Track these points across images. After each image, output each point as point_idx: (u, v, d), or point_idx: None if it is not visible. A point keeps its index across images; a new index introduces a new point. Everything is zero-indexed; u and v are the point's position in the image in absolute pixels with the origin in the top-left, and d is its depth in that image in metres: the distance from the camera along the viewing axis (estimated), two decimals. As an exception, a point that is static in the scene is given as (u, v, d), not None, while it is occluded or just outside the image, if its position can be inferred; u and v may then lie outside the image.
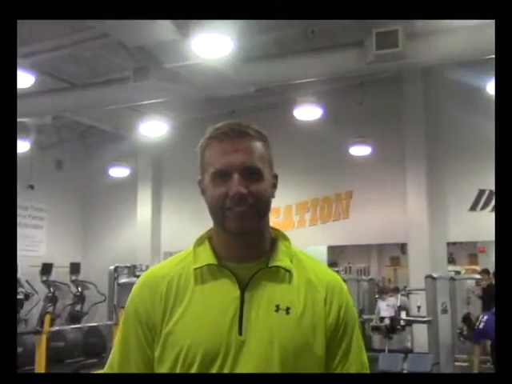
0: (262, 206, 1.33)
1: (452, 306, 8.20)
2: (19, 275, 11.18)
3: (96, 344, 10.56)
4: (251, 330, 1.28)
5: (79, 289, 12.20)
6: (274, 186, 1.40)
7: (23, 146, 10.16)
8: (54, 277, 11.85)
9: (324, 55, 7.30)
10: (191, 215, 11.57)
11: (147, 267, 11.09)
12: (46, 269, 11.61)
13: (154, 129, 9.68)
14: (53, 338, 9.40)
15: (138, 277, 10.46)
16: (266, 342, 1.27)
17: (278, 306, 1.30)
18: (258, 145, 1.35)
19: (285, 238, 1.43)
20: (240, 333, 1.28)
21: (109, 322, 7.51)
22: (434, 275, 7.92)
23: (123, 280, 8.69)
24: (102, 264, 10.36)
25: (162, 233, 12.05)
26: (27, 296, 10.67)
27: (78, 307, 12.18)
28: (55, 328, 8.22)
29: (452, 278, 8.62)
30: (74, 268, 12.31)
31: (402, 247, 11.75)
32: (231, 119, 1.38)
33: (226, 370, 1.27)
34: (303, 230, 10.55)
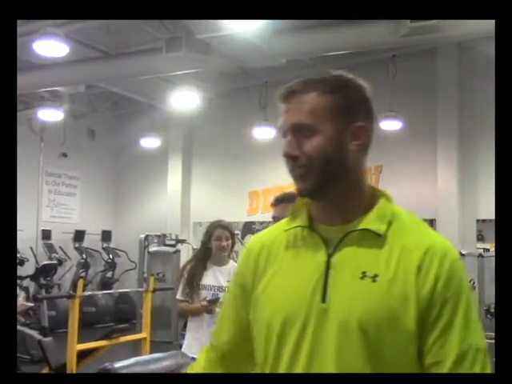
0: (321, 165, 1.21)
1: (480, 283, 8.16)
2: (53, 241, 11.48)
3: (126, 310, 10.83)
4: (334, 297, 1.18)
5: (110, 256, 12.47)
6: (356, 139, 1.24)
7: (57, 115, 10.33)
8: (86, 244, 12.11)
9: (357, 27, 7.21)
10: (221, 186, 11.67)
11: (177, 236, 11.26)
12: (79, 236, 11.86)
13: (185, 100, 9.72)
14: (85, 303, 9.65)
15: (167, 245, 10.67)
16: (347, 312, 1.16)
17: (364, 273, 1.18)
18: (315, 98, 1.22)
19: (387, 198, 1.28)
20: (323, 300, 1.19)
21: (139, 289, 7.67)
22: (463, 252, 7.87)
23: (153, 248, 8.81)
24: (133, 232, 10.54)
25: (191, 203, 12.18)
26: (60, 262, 10.94)
27: (109, 274, 12.46)
28: (87, 293, 8.43)
29: (480, 255, 8.56)
30: (106, 236, 12.56)
31: (431, 223, 11.66)
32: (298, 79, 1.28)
33: (304, 340, 1.19)
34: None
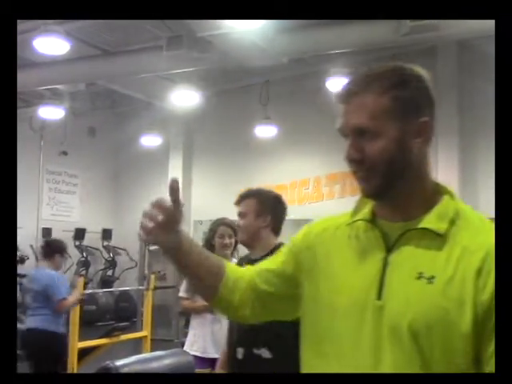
0: (384, 167, 1.19)
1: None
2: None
3: (127, 308, 10.84)
4: (389, 296, 1.16)
5: (111, 254, 12.47)
6: (419, 136, 1.21)
7: (57, 113, 10.32)
8: (86, 242, 12.12)
9: (358, 26, 7.21)
10: (221, 184, 11.66)
11: (177, 235, 11.26)
12: (79, 234, 11.87)
13: (186, 98, 9.72)
14: (85, 301, 9.66)
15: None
16: (400, 313, 1.14)
17: (420, 274, 1.14)
18: (375, 99, 1.19)
19: (451, 195, 1.25)
20: (378, 297, 1.17)
21: (140, 287, 7.68)
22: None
23: (154, 247, 8.83)
24: (134, 230, 10.49)
25: (192, 201, 12.18)
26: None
27: (109, 272, 12.47)
28: (88, 291, 8.44)
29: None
30: (106, 234, 12.56)
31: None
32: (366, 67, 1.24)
33: (360, 335, 1.18)
34: (332, 202, 10.55)
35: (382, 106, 1.18)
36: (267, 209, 2.74)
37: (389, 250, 1.20)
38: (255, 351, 2.51)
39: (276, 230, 2.78)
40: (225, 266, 1.42)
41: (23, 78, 9.13)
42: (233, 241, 3.98)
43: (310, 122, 10.44)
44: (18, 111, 11.19)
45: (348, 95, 1.22)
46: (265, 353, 2.49)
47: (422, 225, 1.18)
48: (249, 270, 1.46)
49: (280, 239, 3.03)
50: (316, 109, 10.08)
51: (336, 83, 8.82)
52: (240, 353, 2.57)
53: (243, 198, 2.82)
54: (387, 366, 1.15)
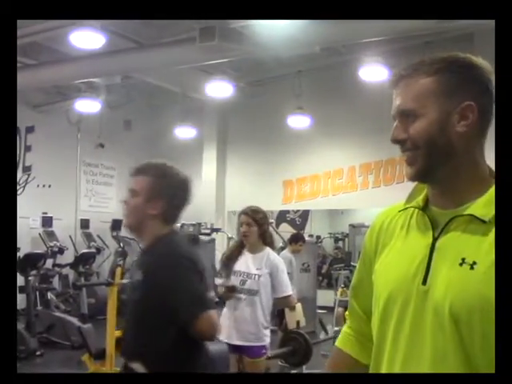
0: (426, 149, 1.22)
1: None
2: (91, 230, 11.70)
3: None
4: (434, 281, 1.19)
5: (147, 245, 12.62)
6: (464, 119, 1.21)
7: (94, 106, 10.48)
8: (123, 232, 12.30)
9: (392, 14, 7.12)
10: (255, 175, 11.70)
11: (212, 225, 11.34)
12: (116, 225, 12.03)
13: (219, 89, 9.75)
14: (123, 291, 9.81)
15: (202, 234, 10.69)
16: (442, 298, 1.17)
17: (463, 259, 1.16)
18: (419, 82, 1.24)
19: None
20: (424, 282, 1.20)
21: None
22: None
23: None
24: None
25: (226, 192, 12.25)
26: (99, 250, 11.14)
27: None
28: (125, 281, 8.58)
29: None
30: (142, 225, 12.71)
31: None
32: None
33: (405, 320, 1.22)
34: (366, 191, 10.48)
35: (423, 88, 1.22)
36: (162, 193, 2.30)
37: (436, 236, 1.23)
38: (130, 365, 2.24)
39: (169, 219, 2.36)
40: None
41: (60, 72, 9.31)
42: (252, 229, 3.98)
43: (344, 111, 10.38)
44: (56, 105, 11.44)
45: (397, 80, 1.27)
46: (138, 368, 2.19)
47: (468, 211, 1.20)
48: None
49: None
50: (349, 98, 10.02)
51: (369, 72, 8.74)
52: (122, 366, 2.32)
53: (138, 172, 2.37)
54: (429, 350, 1.17)
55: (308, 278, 9.76)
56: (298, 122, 10.46)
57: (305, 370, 5.86)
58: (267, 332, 4.01)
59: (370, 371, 1.35)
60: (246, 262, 4.03)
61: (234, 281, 3.99)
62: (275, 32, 7.37)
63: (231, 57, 8.37)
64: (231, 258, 4.09)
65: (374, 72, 8.70)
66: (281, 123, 10.56)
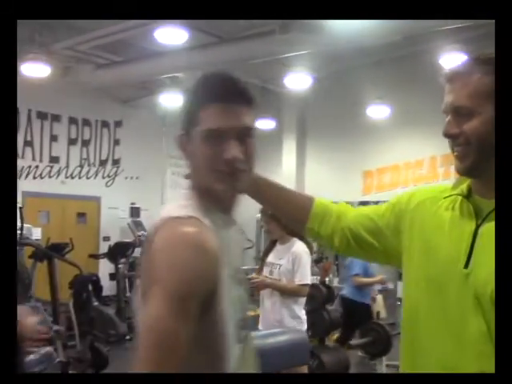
0: (478, 146, 1.28)
1: None
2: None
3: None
4: (476, 265, 1.26)
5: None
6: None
7: (178, 100, 10.79)
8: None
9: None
10: (335, 166, 11.69)
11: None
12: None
13: (298, 81, 9.82)
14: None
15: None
16: (483, 283, 1.23)
17: None
18: (476, 81, 1.27)
19: None
20: (466, 266, 1.27)
21: (255, 267, 7.97)
22: None
23: (268, 227, 9.09)
24: (250, 212, 10.85)
25: (305, 183, 12.32)
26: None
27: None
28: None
29: None
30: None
31: None
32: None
33: (448, 302, 1.28)
34: (448, 182, 10.25)
35: (480, 87, 1.26)
36: None
37: (479, 224, 1.30)
38: None
39: None
40: (312, 200, 1.61)
41: (146, 68, 9.69)
42: (272, 225, 4.20)
43: (423, 101, 10.16)
44: (143, 99, 11.87)
45: (453, 75, 1.31)
46: None
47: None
48: (343, 207, 1.61)
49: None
50: (429, 87, 9.80)
51: (450, 60, 8.55)
52: None
53: None
54: (472, 333, 1.23)
55: (388, 270, 9.69)
56: (378, 111, 10.37)
57: (384, 361, 5.86)
58: (296, 320, 4.12)
59: (402, 344, 1.41)
60: (274, 253, 4.28)
61: (265, 272, 4.24)
62: (353, 22, 7.34)
63: (311, 48, 8.39)
64: (266, 251, 4.38)
65: (454, 60, 8.50)
66: (360, 113, 10.51)
